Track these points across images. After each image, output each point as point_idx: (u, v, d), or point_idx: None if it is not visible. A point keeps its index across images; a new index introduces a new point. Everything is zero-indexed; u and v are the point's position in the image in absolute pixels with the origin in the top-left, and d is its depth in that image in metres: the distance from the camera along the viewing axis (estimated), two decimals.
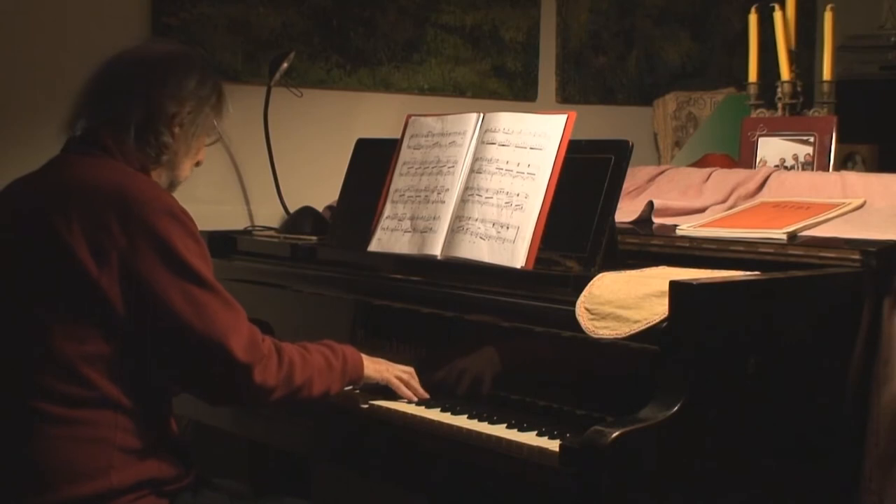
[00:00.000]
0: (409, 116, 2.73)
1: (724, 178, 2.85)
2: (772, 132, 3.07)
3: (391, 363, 2.32)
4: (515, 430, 2.07)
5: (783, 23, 3.12)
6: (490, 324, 2.25)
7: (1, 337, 2.01)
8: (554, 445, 1.95)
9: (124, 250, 1.92)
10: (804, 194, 2.66)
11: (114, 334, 1.94)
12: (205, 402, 2.11)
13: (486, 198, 2.44)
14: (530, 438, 2.03)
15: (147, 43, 2.20)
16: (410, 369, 2.33)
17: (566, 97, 4.08)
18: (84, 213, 1.95)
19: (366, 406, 2.30)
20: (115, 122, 2.07)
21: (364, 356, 2.27)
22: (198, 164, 2.22)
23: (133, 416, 1.97)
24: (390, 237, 2.60)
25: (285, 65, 3.24)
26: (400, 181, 2.64)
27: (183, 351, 1.96)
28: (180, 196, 2.16)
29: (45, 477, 1.93)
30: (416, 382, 2.32)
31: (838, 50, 3.37)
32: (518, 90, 3.94)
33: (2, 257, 2.03)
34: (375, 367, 2.28)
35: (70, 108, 2.12)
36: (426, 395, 2.31)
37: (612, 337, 2.01)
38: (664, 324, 1.95)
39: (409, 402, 2.28)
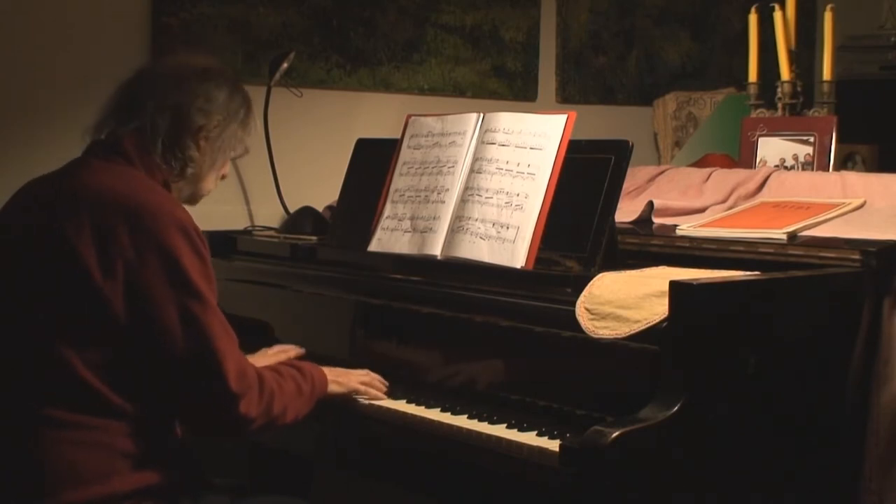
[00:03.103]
0: (409, 116, 2.73)
1: (724, 178, 2.85)
2: (772, 132, 3.07)
3: (349, 371, 2.32)
4: (515, 430, 2.07)
5: (783, 23, 3.12)
6: (490, 324, 2.25)
7: (6, 337, 2.00)
8: (554, 445, 1.95)
9: (131, 261, 1.92)
10: (804, 194, 2.66)
11: (115, 342, 1.93)
12: (187, 427, 2.09)
13: (486, 198, 2.44)
14: (530, 438, 2.03)
15: (182, 55, 2.21)
16: (367, 371, 2.34)
17: (566, 97, 4.08)
18: (96, 220, 1.94)
19: (366, 406, 2.30)
20: (142, 131, 2.07)
21: (325, 370, 2.26)
22: (223, 177, 2.24)
23: (136, 422, 1.97)
24: (390, 237, 2.60)
25: (285, 65, 3.24)
26: (400, 181, 2.64)
27: (175, 369, 1.95)
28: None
29: (47, 481, 1.93)
30: (377, 381, 2.33)
31: (838, 50, 3.37)
32: (518, 90, 3.94)
33: (11, 256, 2.03)
34: (338, 382, 2.27)
35: (98, 112, 2.12)
36: (386, 386, 2.33)
37: (612, 337, 2.01)
38: (664, 324, 1.95)
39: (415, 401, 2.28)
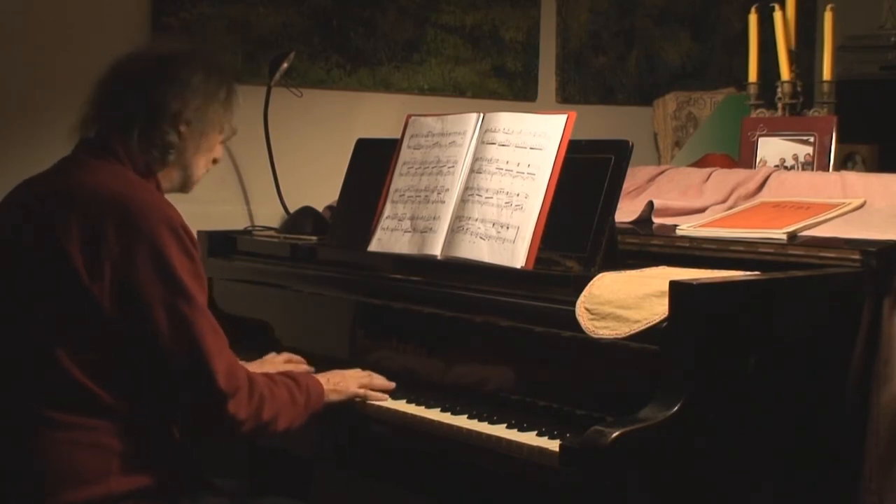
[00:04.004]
0: (409, 116, 2.73)
1: (724, 178, 2.85)
2: (772, 132, 3.07)
3: (345, 373, 2.31)
4: (515, 430, 2.07)
5: (783, 23, 3.12)
6: (490, 324, 2.25)
7: (3, 338, 2.01)
8: (554, 445, 1.95)
9: (118, 260, 1.92)
10: (804, 194, 2.66)
11: (108, 343, 1.93)
12: (185, 425, 2.08)
13: (486, 198, 2.44)
14: (530, 438, 2.03)
15: (153, 41, 2.19)
16: (367, 372, 2.34)
17: (566, 97, 4.08)
18: (83, 220, 1.94)
19: (366, 406, 2.30)
20: (122, 124, 2.06)
21: (321, 378, 2.25)
22: (214, 161, 2.20)
23: (133, 422, 1.97)
24: (390, 237, 2.59)
25: (285, 65, 3.24)
26: (400, 181, 2.64)
27: (165, 367, 1.95)
28: (179, 195, 2.16)
29: (45, 481, 1.93)
30: (378, 380, 2.33)
31: (838, 50, 3.37)
32: (518, 90, 3.94)
33: (6, 257, 2.03)
34: (336, 390, 2.26)
35: (82, 109, 2.11)
36: (392, 386, 2.33)
37: (612, 337, 2.01)
38: (664, 324, 1.95)
39: (418, 402, 2.28)
